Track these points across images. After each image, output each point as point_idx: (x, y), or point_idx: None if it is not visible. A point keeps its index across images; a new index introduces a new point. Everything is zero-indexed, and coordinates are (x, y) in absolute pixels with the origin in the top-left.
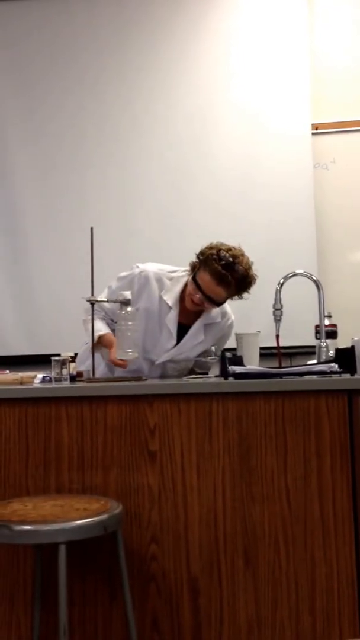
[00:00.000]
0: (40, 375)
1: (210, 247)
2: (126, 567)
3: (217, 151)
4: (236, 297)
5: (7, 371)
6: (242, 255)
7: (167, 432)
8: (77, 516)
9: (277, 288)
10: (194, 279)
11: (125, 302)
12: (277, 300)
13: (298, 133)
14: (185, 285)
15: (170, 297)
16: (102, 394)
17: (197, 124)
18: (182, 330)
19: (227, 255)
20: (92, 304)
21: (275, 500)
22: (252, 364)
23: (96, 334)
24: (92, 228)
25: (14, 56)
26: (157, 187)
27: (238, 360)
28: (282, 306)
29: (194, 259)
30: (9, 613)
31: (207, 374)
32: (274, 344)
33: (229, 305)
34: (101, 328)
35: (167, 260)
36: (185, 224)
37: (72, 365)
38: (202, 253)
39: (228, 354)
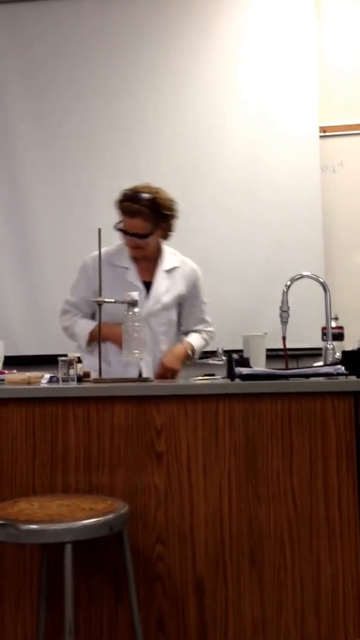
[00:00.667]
0: (47, 376)
1: (117, 197)
2: (132, 567)
3: (224, 152)
4: (164, 224)
5: (15, 371)
6: (148, 187)
7: (174, 433)
8: (83, 516)
9: (284, 290)
10: (118, 229)
11: (132, 303)
12: (284, 302)
13: (305, 135)
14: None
15: (122, 260)
16: (109, 394)
17: (205, 125)
18: (150, 287)
19: (127, 191)
20: (100, 305)
21: (281, 502)
22: (259, 365)
23: (87, 332)
24: (99, 229)
25: (25, 58)
26: (165, 187)
27: (244, 362)
28: (288, 308)
29: (201, 258)
30: (15, 612)
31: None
32: (281, 346)
33: (189, 259)
34: (89, 324)
35: None
36: (192, 225)
37: (79, 365)
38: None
39: (235, 356)
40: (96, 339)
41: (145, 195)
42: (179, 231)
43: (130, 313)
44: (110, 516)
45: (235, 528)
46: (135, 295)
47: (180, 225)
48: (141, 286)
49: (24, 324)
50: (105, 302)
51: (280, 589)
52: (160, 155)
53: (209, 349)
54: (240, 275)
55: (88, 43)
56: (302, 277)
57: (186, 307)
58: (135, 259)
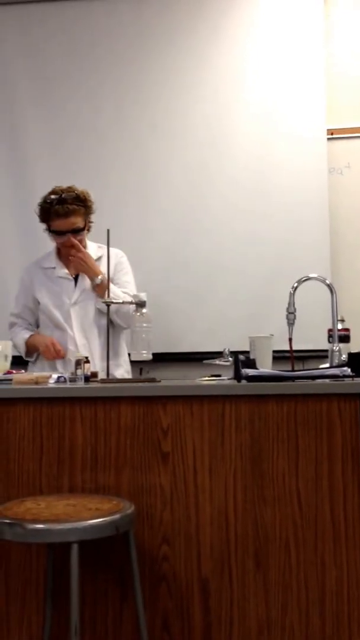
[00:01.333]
0: (55, 376)
1: (38, 204)
2: (137, 567)
3: (232, 153)
4: (89, 214)
5: (23, 371)
6: (61, 187)
7: (180, 434)
8: (90, 516)
9: (290, 292)
10: (50, 232)
11: (141, 304)
12: (291, 303)
13: (313, 137)
14: (56, 251)
15: (49, 262)
16: (116, 394)
17: (213, 125)
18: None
19: (50, 196)
20: (108, 306)
21: (286, 503)
22: (265, 367)
23: (22, 342)
24: (108, 230)
25: (34, 59)
26: (174, 188)
27: (251, 363)
28: (295, 310)
29: (207, 260)
30: (21, 611)
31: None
32: (287, 347)
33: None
34: (26, 333)
35: (183, 261)
36: (199, 226)
37: (87, 365)
38: (39, 213)
39: (241, 357)
40: (32, 348)
41: (68, 193)
42: (187, 232)
43: (139, 314)
44: (116, 516)
45: (241, 529)
46: (143, 296)
47: (187, 226)
48: (70, 278)
49: None
50: (113, 302)
51: (285, 590)
52: (169, 156)
53: (215, 349)
54: (246, 276)
55: (97, 43)
56: (308, 279)
57: (114, 284)
58: (61, 258)
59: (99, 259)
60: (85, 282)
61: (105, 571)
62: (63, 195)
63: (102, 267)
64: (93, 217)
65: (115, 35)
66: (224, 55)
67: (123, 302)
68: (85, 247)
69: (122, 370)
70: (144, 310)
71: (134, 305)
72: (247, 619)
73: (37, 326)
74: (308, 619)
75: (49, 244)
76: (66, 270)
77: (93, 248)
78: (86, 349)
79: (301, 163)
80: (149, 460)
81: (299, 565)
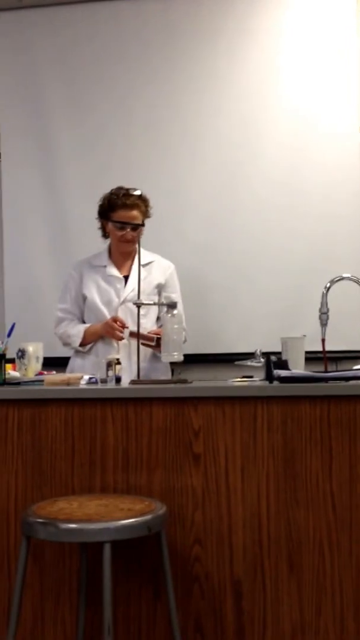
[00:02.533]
0: (86, 377)
1: (103, 197)
2: (170, 567)
3: (265, 150)
4: (146, 216)
5: (54, 372)
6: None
7: (212, 435)
8: (122, 516)
9: (323, 292)
10: (112, 223)
11: (171, 305)
12: (324, 304)
13: (346, 133)
14: (108, 252)
15: (100, 261)
16: (147, 395)
17: (245, 124)
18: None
19: (117, 189)
20: (139, 307)
21: (320, 506)
22: (298, 368)
23: (81, 332)
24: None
25: (63, 63)
26: (206, 187)
27: (283, 364)
28: (328, 310)
29: (239, 261)
30: (55, 610)
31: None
32: (320, 348)
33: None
34: (83, 325)
35: (214, 262)
36: (232, 227)
37: (118, 367)
38: (101, 205)
39: (273, 358)
40: (90, 336)
41: (134, 190)
42: (220, 233)
43: (170, 315)
44: (148, 517)
45: (274, 531)
46: (174, 297)
47: (219, 227)
48: (121, 277)
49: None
50: (144, 304)
51: (319, 593)
52: (202, 157)
53: (246, 350)
54: (278, 276)
55: (127, 45)
56: (341, 278)
57: (162, 298)
58: (112, 258)
59: (149, 264)
60: (135, 281)
61: (138, 571)
62: (129, 191)
63: (154, 273)
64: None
65: (144, 36)
66: (255, 54)
67: (154, 304)
68: (136, 252)
69: (159, 373)
70: (175, 312)
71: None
72: (280, 622)
73: (83, 322)
74: (342, 623)
75: (80, 247)
76: (117, 269)
77: (144, 254)
78: (126, 349)
79: (334, 158)
80: (180, 461)
81: (333, 568)
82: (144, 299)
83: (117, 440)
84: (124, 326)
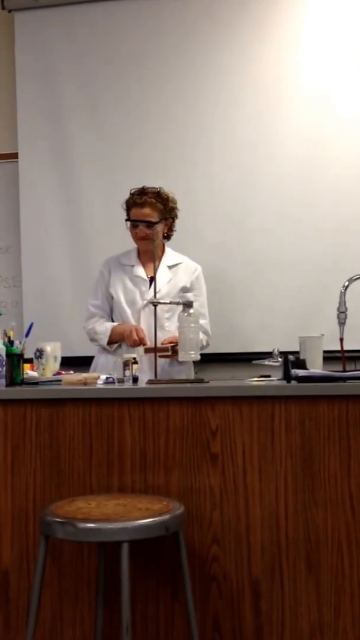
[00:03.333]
0: (103, 376)
1: (126, 199)
2: (188, 567)
3: (281, 151)
4: (168, 216)
5: (72, 372)
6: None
7: (229, 434)
8: (140, 516)
9: (341, 291)
10: (127, 222)
11: (188, 304)
12: (342, 303)
13: None
14: (137, 251)
15: (129, 260)
16: (164, 395)
17: (261, 123)
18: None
19: (136, 189)
20: (155, 306)
21: (338, 506)
22: (316, 367)
23: (108, 329)
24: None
25: (80, 63)
26: (222, 188)
27: (301, 364)
28: (346, 309)
29: (256, 259)
30: (73, 609)
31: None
32: (338, 348)
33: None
34: (111, 324)
35: (231, 261)
36: (247, 224)
37: (135, 366)
38: (125, 207)
39: (291, 357)
40: (116, 337)
41: (151, 188)
42: (235, 233)
43: (186, 314)
44: (166, 516)
45: (292, 531)
46: (190, 296)
47: (236, 226)
48: (146, 278)
49: (80, 326)
50: (160, 303)
51: (338, 594)
52: (218, 155)
53: (264, 349)
54: (296, 275)
55: (142, 43)
56: (359, 277)
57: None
58: (141, 258)
59: (176, 266)
60: (160, 284)
61: (156, 571)
62: (145, 189)
63: (180, 275)
64: None
65: (160, 35)
66: (272, 51)
67: (171, 302)
68: (163, 252)
69: (183, 375)
70: (191, 311)
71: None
72: (299, 622)
73: (112, 320)
74: None
75: (98, 247)
76: (144, 270)
77: (171, 254)
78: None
79: (352, 155)
80: (198, 461)
81: (352, 568)
82: (166, 300)
83: (135, 440)
84: (142, 342)
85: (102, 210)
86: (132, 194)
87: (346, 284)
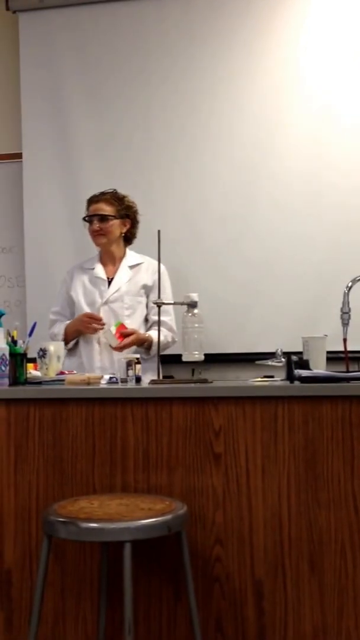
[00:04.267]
0: (106, 376)
1: None
2: (190, 567)
3: (283, 152)
4: (124, 214)
5: (75, 371)
6: None
7: (232, 435)
8: (142, 515)
9: (345, 291)
10: (83, 221)
11: (192, 305)
12: (345, 303)
13: None
14: (99, 255)
15: (91, 263)
16: (168, 395)
17: (263, 123)
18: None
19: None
20: (159, 307)
21: (341, 507)
22: (319, 368)
23: (62, 332)
24: (159, 231)
25: (83, 61)
26: (222, 187)
27: (304, 364)
28: (350, 309)
29: (261, 259)
30: (76, 608)
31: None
32: (342, 348)
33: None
34: (64, 324)
35: (234, 261)
36: (251, 225)
37: (138, 367)
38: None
39: (294, 358)
40: (71, 333)
41: (110, 190)
42: (238, 233)
43: (190, 314)
44: (168, 516)
45: (295, 532)
46: (194, 296)
47: (239, 226)
48: (105, 278)
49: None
50: (164, 303)
51: (341, 595)
52: (220, 154)
53: (267, 349)
54: (299, 276)
55: (146, 44)
56: None
57: (150, 299)
58: (102, 261)
59: (137, 266)
60: (118, 282)
61: (158, 571)
62: (103, 191)
63: (142, 273)
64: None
65: (163, 35)
66: (273, 51)
67: (175, 303)
68: (125, 254)
69: (149, 374)
70: (196, 311)
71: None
72: (302, 623)
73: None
74: None
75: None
76: (104, 271)
77: (132, 256)
78: (108, 349)
79: (355, 155)
80: (201, 461)
81: (355, 569)
82: (128, 300)
83: (138, 440)
84: (95, 318)
85: None
86: (90, 196)
87: (350, 284)
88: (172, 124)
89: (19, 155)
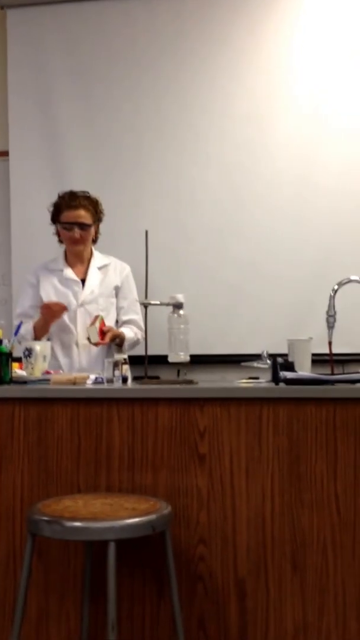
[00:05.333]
0: (92, 376)
1: (52, 203)
2: (174, 566)
3: (273, 152)
4: (97, 219)
5: (61, 371)
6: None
7: (217, 436)
8: (126, 515)
9: (331, 294)
10: (60, 224)
11: (178, 306)
12: (331, 306)
13: (358, 131)
14: (64, 255)
15: (57, 264)
16: (153, 396)
17: (254, 126)
18: (85, 282)
19: (65, 192)
20: (146, 307)
21: (324, 507)
22: (304, 370)
23: (30, 334)
24: (147, 231)
25: (73, 58)
26: (212, 189)
27: (289, 366)
28: (335, 312)
29: (247, 260)
30: (60, 607)
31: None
32: (327, 351)
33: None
34: (28, 326)
35: (221, 262)
36: (239, 226)
37: (125, 367)
38: (52, 210)
39: (279, 360)
40: (40, 329)
41: (80, 192)
42: (227, 235)
43: (176, 315)
44: (152, 516)
45: (278, 532)
46: (180, 297)
47: (225, 228)
48: (77, 279)
49: None
50: (151, 304)
51: (322, 594)
52: (209, 155)
53: (253, 351)
54: (285, 278)
55: (135, 42)
56: (349, 281)
57: (120, 299)
58: (69, 262)
59: (105, 267)
60: (92, 284)
61: (142, 570)
62: (75, 192)
63: (110, 275)
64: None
65: (153, 33)
66: (264, 52)
67: (161, 304)
68: (92, 255)
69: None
70: (182, 312)
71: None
72: (283, 621)
73: None
74: (345, 623)
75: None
76: (74, 272)
77: (99, 256)
78: (86, 350)
79: (345, 157)
80: (185, 462)
81: (336, 569)
82: (102, 301)
83: (123, 440)
84: (58, 306)
85: None
86: (63, 197)
87: (335, 287)
88: (161, 124)
89: (5, 153)
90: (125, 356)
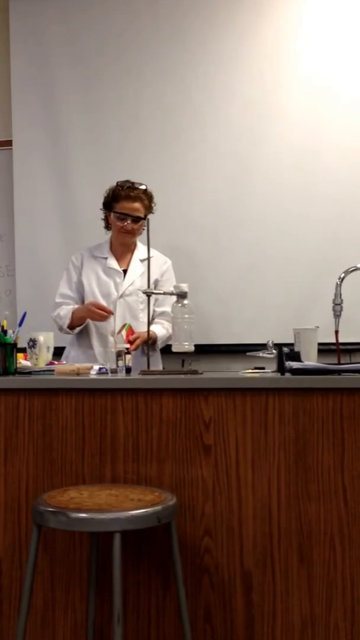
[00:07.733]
0: (96, 367)
1: (109, 189)
2: (180, 558)
3: (276, 139)
4: (149, 213)
5: (65, 362)
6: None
7: (222, 426)
8: (132, 506)
9: (337, 282)
10: (114, 213)
11: (182, 295)
12: (337, 295)
13: None
14: (109, 243)
15: (101, 252)
16: (158, 386)
17: (257, 111)
18: (126, 273)
19: (123, 182)
20: (149, 296)
21: (331, 499)
22: (310, 359)
23: (68, 317)
24: (148, 219)
25: (76, 49)
26: (214, 177)
27: (295, 356)
28: (342, 301)
29: (252, 251)
30: (65, 599)
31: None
32: (333, 340)
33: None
34: (69, 308)
35: (226, 251)
36: (243, 216)
37: (128, 357)
38: (106, 197)
39: (285, 349)
40: (77, 319)
41: (138, 184)
42: (229, 223)
43: (180, 305)
44: (158, 507)
45: (284, 524)
46: (184, 287)
47: (229, 216)
48: (120, 270)
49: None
50: (154, 293)
51: (329, 587)
52: (212, 143)
53: (258, 341)
54: (291, 267)
55: (138, 33)
56: (356, 269)
57: (157, 291)
58: (113, 251)
59: (147, 259)
60: (133, 276)
61: (148, 562)
62: (133, 183)
63: (152, 269)
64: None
65: (155, 22)
66: (270, 38)
67: (164, 293)
68: (135, 246)
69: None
70: (186, 302)
71: (175, 297)
72: (290, 614)
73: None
74: (354, 617)
75: (92, 236)
76: (117, 262)
77: (142, 248)
78: (121, 341)
79: (349, 144)
80: (190, 453)
81: (344, 561)
82: (142, 294)
83: (128, 431)
84: (104, 310)
85: (96, 198)
86: (122, 187)
87: (342, 275)
88: (163, 111)
89: (9, 143)
90: (128, 346)
